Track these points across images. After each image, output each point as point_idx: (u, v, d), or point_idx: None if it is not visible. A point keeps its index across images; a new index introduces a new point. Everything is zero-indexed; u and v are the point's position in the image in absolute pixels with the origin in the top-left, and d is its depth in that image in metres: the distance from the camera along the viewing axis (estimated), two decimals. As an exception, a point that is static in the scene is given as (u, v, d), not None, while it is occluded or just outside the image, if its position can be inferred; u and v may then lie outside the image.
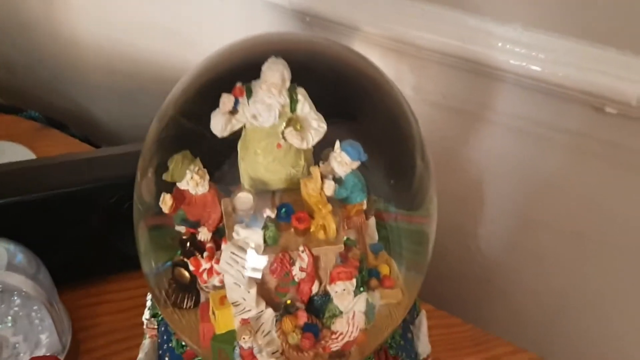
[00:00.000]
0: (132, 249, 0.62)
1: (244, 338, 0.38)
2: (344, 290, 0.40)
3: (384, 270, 0.45)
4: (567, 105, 0.60)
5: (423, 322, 0.49)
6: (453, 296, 0.69)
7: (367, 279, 0.44)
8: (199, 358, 0.44)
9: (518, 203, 0.68)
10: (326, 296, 0.41)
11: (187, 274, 0.43)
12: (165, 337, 0.47)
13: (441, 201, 0.48)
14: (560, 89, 0.59)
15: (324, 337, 0.40)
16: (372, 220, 0.46)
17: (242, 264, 0.38)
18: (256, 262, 0.38)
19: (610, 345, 0.67)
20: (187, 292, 0.44)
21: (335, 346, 0.40)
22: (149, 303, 0.50)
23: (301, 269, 0.39)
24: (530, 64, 0.59)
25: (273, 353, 0.39)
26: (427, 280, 0.48)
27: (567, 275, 0.68)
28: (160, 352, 0.47)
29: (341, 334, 0.40)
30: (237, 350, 0.40)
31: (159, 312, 0.48)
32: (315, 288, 0.41)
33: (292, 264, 0.39)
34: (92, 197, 0.59)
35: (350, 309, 0.40)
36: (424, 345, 0.49)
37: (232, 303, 0.40)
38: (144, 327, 0.49)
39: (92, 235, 0.61)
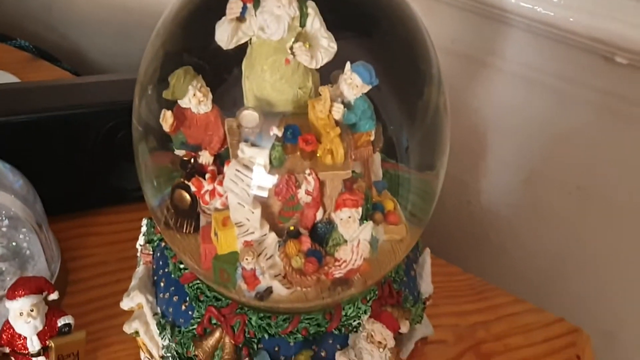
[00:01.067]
0: (124, 181, 0.60)
1: (246, 259, 0.37)
2: (350, 217, 0.39)
3: (389, 205, 0.44)
4: (576, 54, 0.59)
5: (427, 261, 0.48)
6: (450, 250, 0.68)
7: (371, 212, 0.42)
8: (197, 281, 0.42)
9: (521, 156, 0.67)
10: (330, 225, 0.40)
11: (187, 196, 0.41)
12: (160, 263, 0.45)
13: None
14: (571, 35, 0.57)
15: (327, 263, 0.39)
16: (378, 156, 0.45)
17: (247, 182, 0.37)
18: (262, 181, 0.37)
19: (608, 300, 0.67)
20: (186, 218, 0.42)
21: (338, 273, 0.39)
22: (144, 229, 0.48)
23: (307, 192, 0.38)
24: (541, 8, 0.57)
25: (275, 276, 0.38)
26: (424, 235, 0.46)
27: (567, 231, 0.67)
28: (156, 278, 0.45)
29: (344, 261, 0.39)
30: (239, 271, 0.38)
31: (155, 238, 0.47)
32: (319, 215, 0.40)
33: (298, 187, 0.38)
34: (84, 123, 0.56)
35: (355, 237, 0.39)
36: (426, 285, 0.48)
37: (236, 224, 0.38)
38: (138, 253, 0.48)
39: (83, 165, 0.58)
